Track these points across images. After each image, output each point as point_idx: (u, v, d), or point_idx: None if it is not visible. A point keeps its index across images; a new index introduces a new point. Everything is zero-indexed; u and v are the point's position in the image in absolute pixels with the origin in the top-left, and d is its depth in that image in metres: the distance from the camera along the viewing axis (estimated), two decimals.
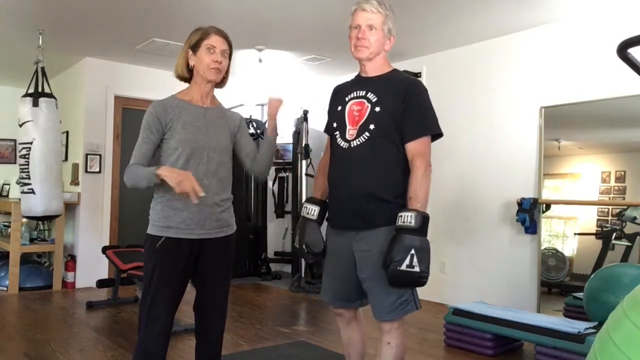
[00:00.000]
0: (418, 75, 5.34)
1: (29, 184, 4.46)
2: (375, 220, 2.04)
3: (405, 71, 5.19)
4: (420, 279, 1.92)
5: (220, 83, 2.23)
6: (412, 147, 2.03)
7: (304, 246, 2.17)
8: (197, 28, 2.15)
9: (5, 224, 6.13)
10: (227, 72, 2.22)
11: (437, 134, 2.11)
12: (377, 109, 2.04)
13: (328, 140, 2.26)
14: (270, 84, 6.47)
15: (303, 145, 6.07)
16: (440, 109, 5.03)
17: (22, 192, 4.53)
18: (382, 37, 2.08)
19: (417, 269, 1.89)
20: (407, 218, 1.93)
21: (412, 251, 1.89)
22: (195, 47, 2.11)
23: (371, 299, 2.08)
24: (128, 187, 2.08)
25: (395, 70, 2.18)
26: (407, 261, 1.88)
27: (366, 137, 2.04)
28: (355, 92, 2.14)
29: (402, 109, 2.02)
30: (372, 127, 2.04)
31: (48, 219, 4.86)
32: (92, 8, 4.18)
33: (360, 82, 2.16)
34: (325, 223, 2.26)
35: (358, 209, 2.06)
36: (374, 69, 2.13)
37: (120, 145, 5.89)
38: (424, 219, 1.95)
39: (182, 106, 2.10)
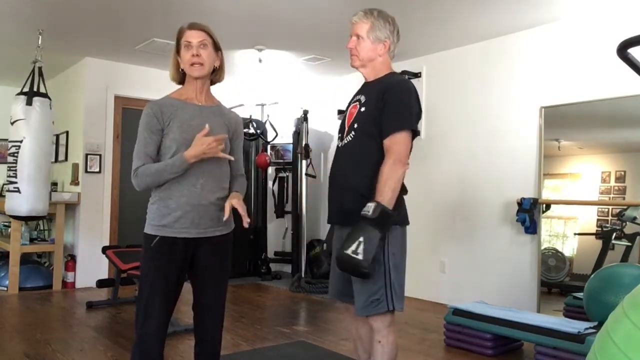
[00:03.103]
0: (418, 75, 5.34)
1: (15, 182, 4.39)
2: (357, 216, 2.06)
3: (404, 71, 5.30)
4: (360, 267, 1.95)
5: (217, 77, 2.20)
6: (386, 143, 2.08)
7: (325, 243, 2.27)
8: None
9: (5, 224, 6.13)
10: (221, 65, 2.17)
11: (415, 133, 2.14)
12: (363, 109, 2.17)
13: None
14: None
15: (303, 145, 6.07)
16: (440, 108, 5.12)
17: (8, 191, 4.48)
18: (370, 45, 2.19)
19: (360, 257, 1.93)
20: (367, 207, 1.98)
21: (361, 239, 1.94)
22: (178, 49, 2.12)
23: (354, 294, 2.15)
24: (140, 190, 2.07)
25: (390, 73, 2.25)
26: (353, 247, 1.94)
27: (352, 136, 2.17)
28: (356, 97, 2.28)
29: (380, 108, 2.10)
30: (356, 126, 2.17)
31: (33, 219, 4.78)
32: (92, 8, 4.18)
33: (361, 87, 2.30)
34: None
35: (344, 205, 2.17)
36: (370, 74, 2.25)
37: (120, 145, 5.89)
38: (382, 212, 1.97)
39: (178, 105, 2.09)
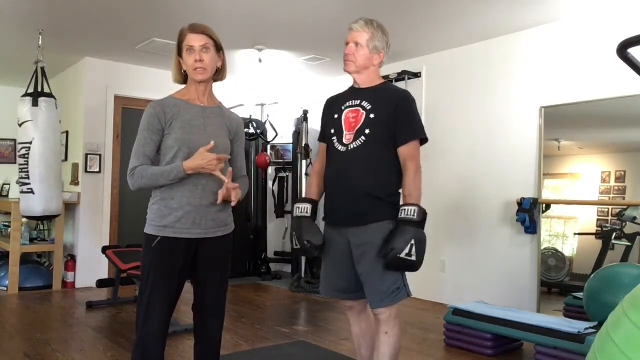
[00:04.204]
0: (418, 75, 5.34)
1: (28, 183, 4.45)
2: (371, 217, 2.21)
3: (404, 71, 5.31)
4: (415, 267, 2.14)
5: (219, 76, 2.20)
6: (404, 151, 2.24)
7: (305, 242, 2.30)
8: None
9: (5, 224, 6.13)
10: (223, 65, 2.17)
11: (424, 140, 2.33)
12: (372, 115, 2.25)
13: (321, 147, 2.46)
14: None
15: (303, 145, 6.07)
16: (440, 108, 5.13)
17: (22, 192, 4.52)
18: (368, 53, 2.29)
19: (414, 257, 2.11)
20: (410, 212, 2.14)
21: (412, 242, 2.10)
22: (179, 51, 2.12)
23: (367, 289, 2.24)
24: (134, 190, 2.07)
25: (386, 82, 2.41)
26: (406, 250, 2.09)
27: (362, 141, 2.23)
28: (350, 102, 2.34)
29: (394, 117, 2.23)
30: (367, 131, 2.23)
31: (47, 219, 4.85)
32: (92, 8, 4.18)
33: (354, 93, 2.37)
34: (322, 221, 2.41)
35: (355, 206, 2.23)
36: (365, 82, 2.34)
37: (120, 145, 5.89)
38: (424, 214, 2.16)
39: (181, 105, 2.09)
